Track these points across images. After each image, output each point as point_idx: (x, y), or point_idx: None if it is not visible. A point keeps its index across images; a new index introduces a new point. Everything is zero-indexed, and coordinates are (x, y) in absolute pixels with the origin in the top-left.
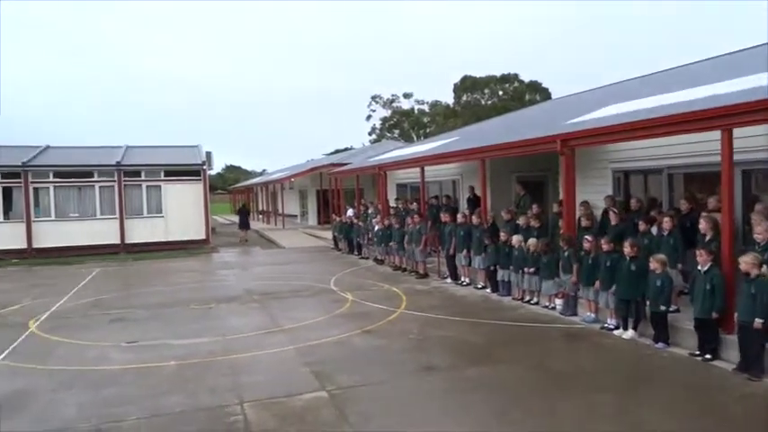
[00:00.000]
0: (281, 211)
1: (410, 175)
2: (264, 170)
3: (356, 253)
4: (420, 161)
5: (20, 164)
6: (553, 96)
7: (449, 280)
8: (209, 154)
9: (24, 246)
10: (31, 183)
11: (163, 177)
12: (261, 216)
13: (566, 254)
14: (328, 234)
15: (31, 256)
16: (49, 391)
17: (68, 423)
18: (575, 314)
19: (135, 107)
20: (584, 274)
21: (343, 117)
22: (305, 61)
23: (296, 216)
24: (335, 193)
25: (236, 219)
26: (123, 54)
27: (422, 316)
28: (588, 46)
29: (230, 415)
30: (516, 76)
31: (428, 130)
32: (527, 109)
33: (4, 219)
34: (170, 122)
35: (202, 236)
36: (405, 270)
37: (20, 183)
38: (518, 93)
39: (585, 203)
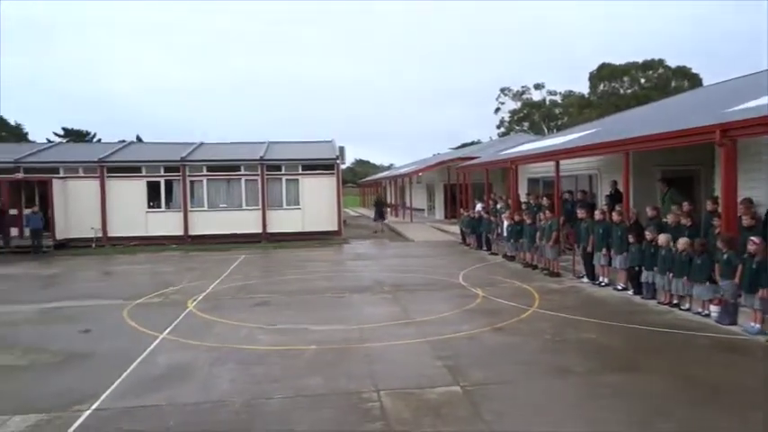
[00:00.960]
0: (408, 204)
1: (543, 169)
2: (392, 164)
3: (485, 248)
4: (555, 155)
5: (179, 159)
6: (705, 83)
7: (585, 279)
8: (342, 149)
9: (181, 233)
10: (188, 176)
11: (300, 171)
12: (389, 209)
13: (725, 256)
14: (455, 228)
15: (187, 242)
16: (207, 365)
17: (225, 396)
18: (734, 323)
19: (270, 104)
20: (746, 280)
21: (469, 110)
22: (431, 55)
23: (423, 210)
24: (463, 188)
25: (364, 211)
26: (251, 54)
27: (556, 316)
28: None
29: (367, 401)
30: (661, 61)
31: (560, 123)
32: (674, 97)
33: (166, 208)
34: (304, 118)
35: (335, 227)
36: (536, 267)
37: (179, 176)
38: (662, 80)
39: (747, 201)
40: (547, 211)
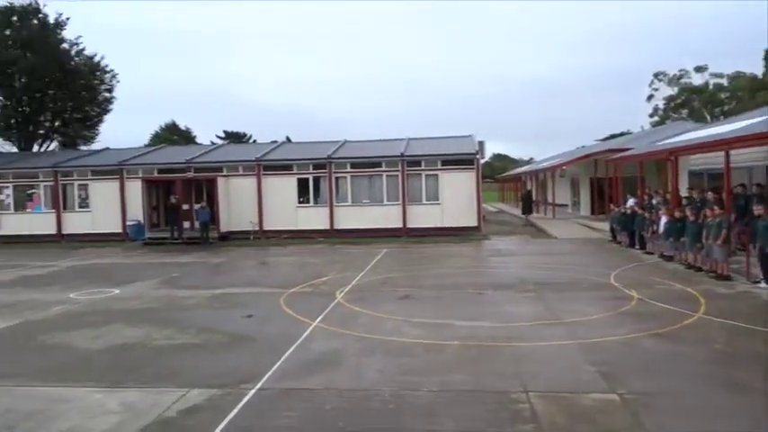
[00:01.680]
0: (550, 200)
1: (707, 160)
2: (532, 158)
3: (638, 247)
4: (726, 143)
5: (325, 157)
6: None
7: (762, 284)
8: (481, 143)
9: (327, 227)
10: (334, 173)
11: (440, 167)
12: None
13: None
14: (603, 225)
15: (333, 236)
16: (356, 354)
17: (374, 385)
18: None
19: (410, 101)
20: None
21: (616, 100)
22: (571, 44)
23: (566, 206)
24: (613, 182)
25: (504, 207)
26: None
27: (727, 324)
28: None
29: (516, 402)
30: None
31: (726, 109)
32: None
33: (314, 204)
34: (443, 114)
35: (474, 223)
36: (700, 269)
37: (325, 173)
38: None
39: None
40: (715, 207)
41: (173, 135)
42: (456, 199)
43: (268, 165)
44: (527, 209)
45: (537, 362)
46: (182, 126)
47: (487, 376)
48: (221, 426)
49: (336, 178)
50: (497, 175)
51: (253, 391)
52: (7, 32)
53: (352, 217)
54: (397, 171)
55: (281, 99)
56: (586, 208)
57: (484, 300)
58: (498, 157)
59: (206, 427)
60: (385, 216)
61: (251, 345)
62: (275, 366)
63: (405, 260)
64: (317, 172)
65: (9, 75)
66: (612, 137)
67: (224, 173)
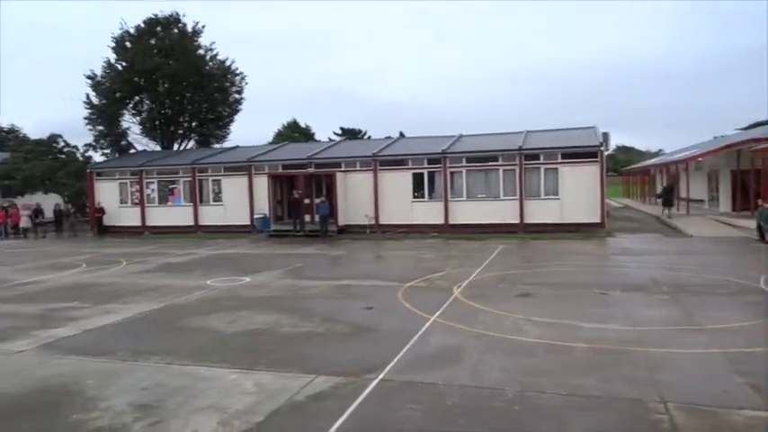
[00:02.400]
0: (684, 195)
1: None
2: (660, 150)
3: None
4: None
5: (440, 151)
6: None
7: None
8: (605, 135)
9: (442, 222)
10: (449, 167)
11: (560, 160)
12: (658, 200)
13: None
14: (747, 223)
15: (447, 231)
16: (476, 350)
17: (496, 383)
18: None
19: (525, 94)
20: None
21: (755, 84)
22: (702, 21)
23: (702, 201)
24: (762, 174)
25: (629, 202)
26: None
27: None
28: None
29: (653, 412)
30: None
31: None
32: None
33: (429, 198)
34: (563, 105)
35: (597, 219)
36: None
37: (440, 167)
38: None
39: None
40: None
41: (294, 133)
42: (577, 193)
43: (384, 160)
44: (668, 202)
45: (674, 370)
46: (302, 124)
47: (619, 382)
48: (347, 413)
49: (451, 173)
50: (622, 168)
51: (375, 382)
52: (152, 42)
53: (467, 212)
54: (515, 165)
55: (394, 95)
56: (726, 203)
57: (611, 301)
58: (623, 150)
59: (333, 413)
60: (501, 211)
61: (372, 336)
62: (396, 358)
63: (523, 257)
64: (432, 167)
65: (154, 81)
66: (757, 125)
67: (342, 168)
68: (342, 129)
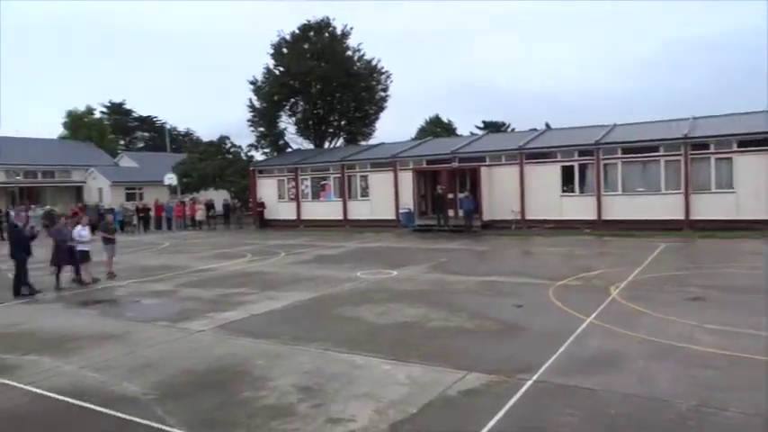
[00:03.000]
0: None
1: None
2: None
3: None
4: None
5: (593, 142)
6: None
7: None
8: None
9: (594, 217)
10: (602, 159)
11: (734, 149)
12: None
13: None
14: None
15: (600, 227)
16: (640, 357)
17: (667, 394)
18: None
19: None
20: None
21: None
22: None
23: None
24: None
25: None
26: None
27: None
28: None
29: None
30: None
31: None
32: None
33: (579, 192)
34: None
35: None
36: None
37: (592, 160)
38: None
39: None
40: None
41: (436, 128)
42: (756, 186)
43: (530, 153)
44: None
45: None
46: (444, 119)
47: None
48: (501, 412)
49: (605, 165)
50: None
51: (529, 383)
52: (305, 46)
53: (622, 207)
54: (679, 155)
55: (537, 86)
56: None
57: None
58: None
59: (486, 411)
60: (662, 206)
61: (523, 335)
62: (551, 360)
63: (689, 256)
64: (584, 159)
65: (307, 83)
66: None
67: (486, 162)
68: (484, 122)
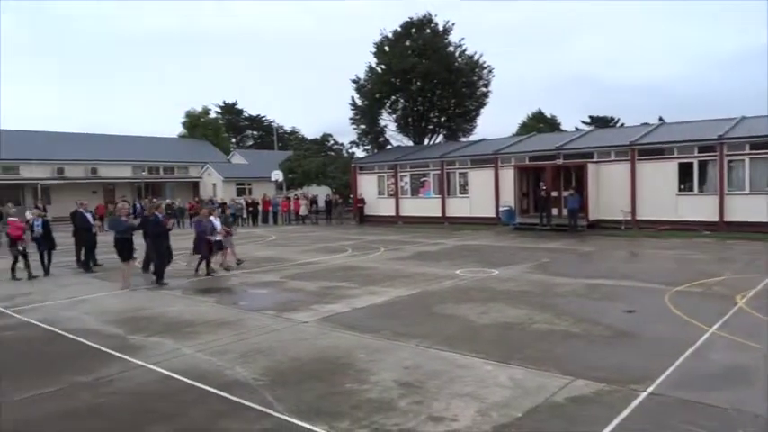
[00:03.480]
0: None
1: None
2: None
3: None
4: None
5: (715, 137)
6: None
7: None
8: None
9: (715, 218)
10: (726, 155)
11: None
12: None
13: None
14: None
15: (722, 229)
16: None
17: None
18: None
19: None
20: None
21: None
22: None
23: None
24: None
25: None
26: None
27: None
28: None
29: None
30: None
31: None
32: None
33: (698, 191)
34: None
35: None
36: None
37: (714, 156)
38: None
39: None
40: None
41: (539, 123)
42: None
43: (643, 149)
44: None
45: None
46: (547, 114)
47: None
48: (613, 423)
49: (729, 162)
50: None
51: (644, 394)
52: (407, 43)
53: (749, 208)
54: None
55: (646, 78)
56: None
57: None
58: None
59: (597, 421)
60: None
61: (635, 343)
62: (667, 372)
63: None
64: (704, 155)
65: (408, 80)
66: None
67: (594, 159)
68: (591, 117)
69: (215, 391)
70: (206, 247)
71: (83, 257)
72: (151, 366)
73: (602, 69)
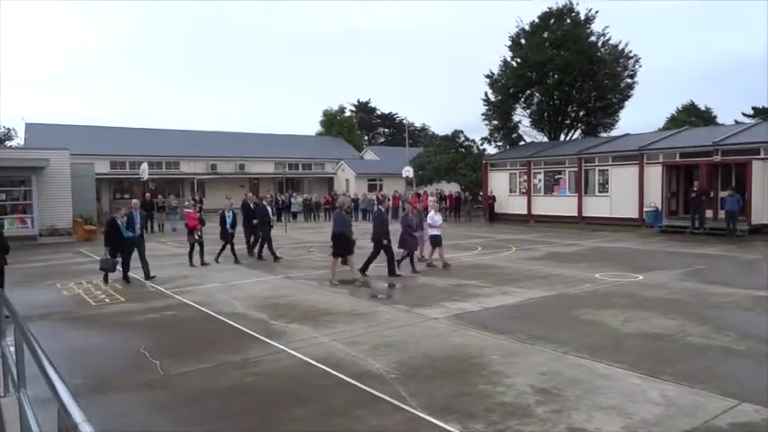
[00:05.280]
0: None
1: None
2: None
3: None
4: None
5: None
6: None
7: None
8: None
9: None
10: None
11: None
12: None
13: None
14: None
15: None
16: None
17: None
18: None
19: None
20: None
21: None
22: None
23: None
24: None
25: None
26: None
27: None
28: None
29: None
30: None
31: None
32: None
33: None
34: None
35: None
36: None
37: None
38: None
39: None
40: None
41: (690, 117)
42: None
43: None
44: None
45: None
46: (701, 106)
47: None
48: None
49: None
50: None
51: None
52: (545, 35)
53: None
54: None
55: None
56: None
57: None
58: None
59: None
60: None
61: None
62: None
63: None
64: None
65: (545, 73)
66: None
67: (761, 155)
68: (754, 109)
69: (350, 380)
70: (411, 242)
71: (257, 248)
72: (291, 352)
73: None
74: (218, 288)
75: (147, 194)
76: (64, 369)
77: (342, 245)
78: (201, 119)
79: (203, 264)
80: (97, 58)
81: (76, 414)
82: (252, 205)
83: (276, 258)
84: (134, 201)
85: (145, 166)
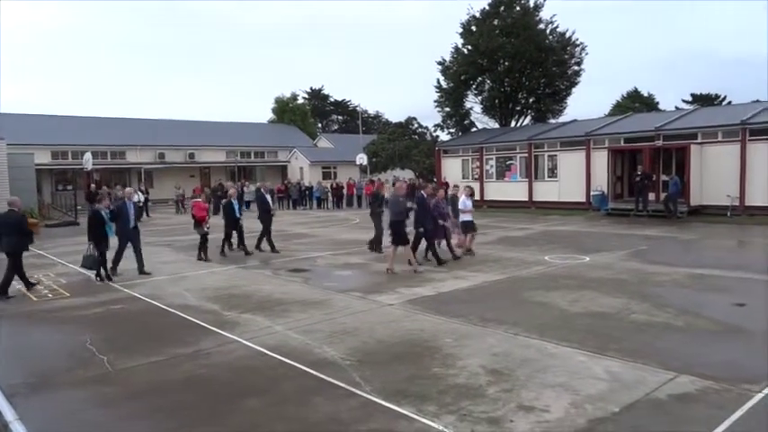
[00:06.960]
0: None
1: None
2: None
3: None
4: None
5: None
6: None
7: None
8: None
9: None
10: None
11: None
12: None
13: None
14: None
15: None
16: None
17: None
18: None
19: None
20: None
21: None
22: None
23: None
24: None
25: None
26: None
27: None
28: None
29: None
30: None
31: None
32: None
33: None
34: None
35: None
36: None
37: None
38: None
39: None
40: None
41: (634, 103)
42: None
43: (757, 128)
44: None
45: None
46: (643, 93)
47: None
48: (724, 426)
49: None
50: None
51: (760, 396)
52: (495, 22)
53: None
54: None
55: (758, 50)
56: None
57: None
58: None
59: (703, 420)
60: None
61: (746, 339)
62: None
63: None
64: None
65: (495, 60)
66: None
67: (698, 140)
68: (692, 95)
69: (305, 368)
70: (437, 231)
71: (256, 240)
72: (246, 342)
73: (708, 44)
74: (168, 280)
75: (93, 185)
76: None
77: (400, 233)
78: (149, 107)
79: (202, 258)
80: (36, 43)
81: (8, 413)
82: (267, 194)
83: (274, 250)
84: (127, 189)
85: (88, 155)
